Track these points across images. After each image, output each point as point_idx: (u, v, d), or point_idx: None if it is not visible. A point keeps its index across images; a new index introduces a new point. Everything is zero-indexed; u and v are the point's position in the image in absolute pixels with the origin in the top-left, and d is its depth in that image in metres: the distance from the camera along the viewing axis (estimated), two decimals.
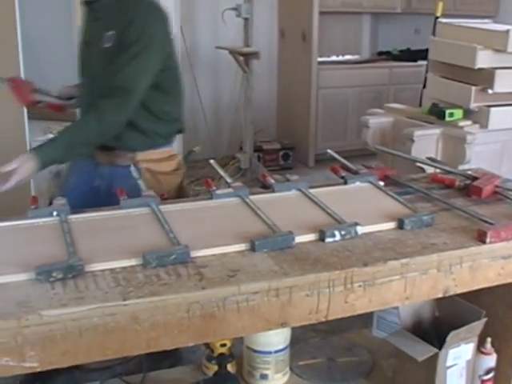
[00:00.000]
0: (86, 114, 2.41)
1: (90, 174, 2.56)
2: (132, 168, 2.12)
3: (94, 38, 2.46)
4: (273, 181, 2.09)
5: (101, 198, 2.36)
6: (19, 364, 1.35)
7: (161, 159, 2.56)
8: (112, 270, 1.53)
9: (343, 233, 1.72)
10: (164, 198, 2.28)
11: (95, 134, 2.33)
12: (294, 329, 2.23)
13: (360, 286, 1.58)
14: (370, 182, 2.16)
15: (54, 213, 1.85)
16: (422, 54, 6.12)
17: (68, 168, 2.76)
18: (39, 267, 1.48)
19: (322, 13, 6.66)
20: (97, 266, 1.53)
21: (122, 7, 2.38)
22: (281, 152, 6.70)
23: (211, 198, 1.99)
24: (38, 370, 1.38)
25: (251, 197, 1.97)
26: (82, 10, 2.56)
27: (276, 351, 2.22)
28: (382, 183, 2.18)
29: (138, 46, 2.34)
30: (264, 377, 2.25)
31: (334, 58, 7.51)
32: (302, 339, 2.58)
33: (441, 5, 5.34)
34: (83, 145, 2.32)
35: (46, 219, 1.83)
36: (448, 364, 2.03)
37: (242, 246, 1.64)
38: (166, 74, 2.50)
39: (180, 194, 2.62)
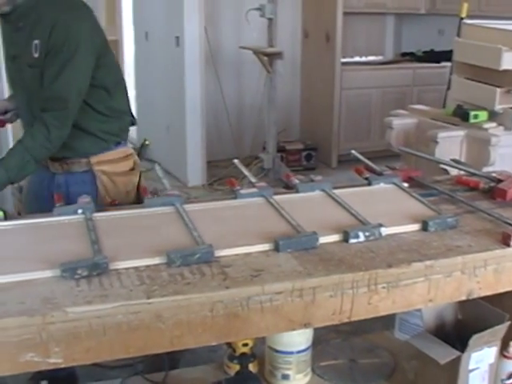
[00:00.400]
0: (31, 130, 2.28)
1: (47, 185, 2.50)
2: (157, 167, 2.12)
3: (19, 49, 2.31)
4: (297, 181, 2.09)
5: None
6: (44, 360, 1.36)
7: (117, 159, 2.50)
8: (136, 269, 1.54)
9: (367, 234, 1.72)
10: (115, 204, 2.29)
11: (44, 150, 2.27)
12: (315, 329, 2.22)
13: (384, 287, 1.58)
14: (394, 184, 2.15)
15: (79, 210, 1.86)
16: (446, 56, 6.09)
17: (27, 181, 2.66)
18: (64, 264, 1.49)
19: (345, 13, 6.65)
20: (121, 264, 1.54)
21: (40, 13, 2.24)
22: (304, 152, 6.70)
23: (235, 198, 1.99)
24: (62, 366, 1.39)
25: (275, 197, 1.98)
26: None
27: (298, 351, 2.21)
28: (406, 185, 2.17)
29: (67, 52, 2.22)
30: (285, 377, 2.24)
31: (357, 58, 7.50)
32: (323, 340, 2.57)
33: (466, 6, 5.30)
34: (33, 162, 2.25)
35: (71, 217, 1.84)
36: (470, 367, 2.02)
37: (265, 246, 1.64)
38: (102, 71, 2.39)
39: (138, 193, 2.57)
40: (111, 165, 2.47)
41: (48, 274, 1.50)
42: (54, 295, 1.41)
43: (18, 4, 2.22)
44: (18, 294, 1.41)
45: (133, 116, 2.63)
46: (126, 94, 2.60)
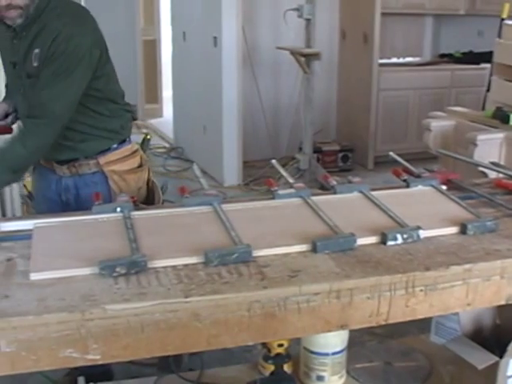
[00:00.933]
0: (12, 136, 2.29)
1: (55, 189, 2.50)
2: (195, 166, 2.14)
3: (20, 57, 2.31)
4: (334, 182, 2.09)
5: (72, 210, 2.21)
6: (82, 356, 1.38)
7: (124, 158, 2.51)
8: (174, 267, 1.55)
9: (405, 236, 1.71)
10: (134, 201, 2.29)
11: (21, 159, 2.25)
12: (350, 331, 2.22)
13: (421, 290, 1.56)
14: (433, 186, 2.14)
15: (118, 209, 1.88)
16: (486, 57, 6.03)
17: (34, 188, 2.67)
18: (103, 262, 1.51)
19: (383, 14, 6.61)
20: (159, 263, 1.55)
21: (44, 23, 2.24)
22: (340, 153, 6.67)
23: (273, 198, 1.99)
24: (100, 362, 1.41)
25: (313, 198, 1.97)
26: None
27: (333, 353, 2.21)
28: (444, 187, 2.15)
29: (63, 64, 2.22)
30: (320, 378, 2.24)
31: (394, 59, 7.45)
32: (358, 342, 2.57)
33: (507, 6, 5.24)
34: (10, 172, 2.25)
35: (109, 215, 1.86)
36: (509, 373, 1.99)
37: (303, 247, 1.64)
38: (102, 81, 2.40)
39: (149, 189, 2.58)
40: (120, 163, 2.48)
41: (87, 271, 1.52)
42: (92, 292, 1.43)
43: (30, 15, 2.23)
44: (58, 291, 1.43)
45: (132, 111, 2.62)
46: (122, 92, 2.57)
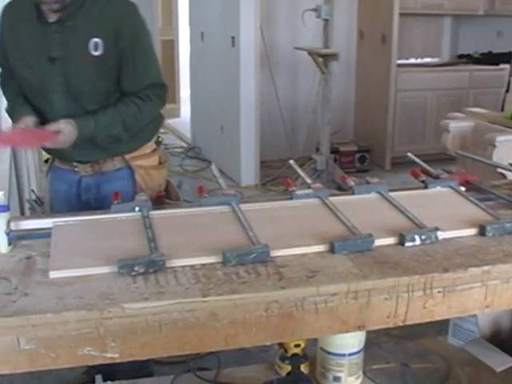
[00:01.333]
0: (125, 99, 2.34)
1: (75, 191, 2.48)
2: (213, 166, 2.14)
3: (66, 50, 2.25)
4: (352, 183, 2.09)
5: (93, 210, 2.23)
6: (101, 354, 1.39)
7: (148, 154, 2.53)
8: (192, 267, 1.55)
9: (423, 237, 1.71)
10: (161, 196, 2.30)
11: (133, 119, 2.34)
12: (366, 332, 2.22)
13: (439, 291, 1.56)
14: (451, 187, 2.13)
15: (136, 208, 1.89)
16: (505, 57, 6.00)
17: (49, 192, 2.61)
18: (122, 261, 1.52)
19: (402, 14, 6.58)
20: (177, 262, 1.56)
21: (96, 11, 2.24)
22: (357, 154, 6.65)
23: (291, 198, 2.00)
24: (118, 360, 1.41)
25: (331, 198, 1.97)
26: (28, 24, 2.28)
27: (350, 354, 2.21)
28: (463, 188, 2.14)
29: (144, 42, 2.36)
30: (337, 379, 2.24)
31: (412, 60, 7.42)
32: (374, 343, 2.56)
33: None
34: (121, 126, 2.31)
35: (128, 214, 1.87)
36: None
37: (321, 247, 1.64)
38: None
39: (168, 187, 2.59)
40: (144, 159, 2.49)
41: (105, 270, 1.53)
42: (111, 291, 1.44)
43: (67, 3, 2.21)
44: (77, 289, 1.44)
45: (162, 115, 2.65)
46: None
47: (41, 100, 2.33)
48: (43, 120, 2.30)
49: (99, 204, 2.03)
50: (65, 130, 2.15)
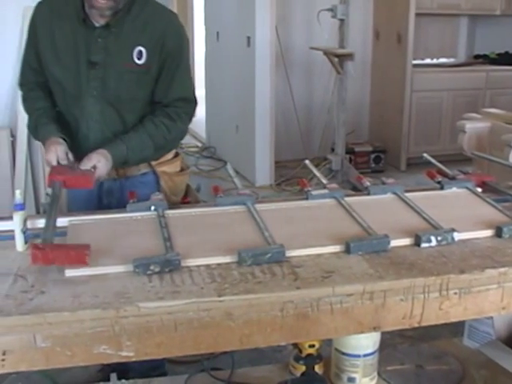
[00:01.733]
0: (153, 119, 2.28)
1: (96, 194, 2.41)
2: (228, 166, 2.14)
3: (108, 56, 2.22)
4: (368, 183, 2.08)
5: None
6: (116, 353, 1.40)
7: (171, 160, 2.50)
8: (207, 266, 1.56)
9: (439, 238, 1.70)
10: (188, 202, 2.28)
11: (163, 140, 2.31)
12: (381, 333, 2.21)
13: (455, 293, 1.55)
14: (468, 188, 2.12)
15: (152, 207, 1.89)
16: None
17: (67, 193, 2.50)
18: (137, 260, 1.52)
19: (417, 14, 6.55)
20: (193, 262, 1.57)
21: (141, 20, 2.23)
22: (372, 154, 6.63)
23: (306, 199, 1.99)
24: (133, 359, 1.42)
25: (346, 198, 1.97)
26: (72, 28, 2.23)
27: (365, 355, 2.20)
28: (479, 190, 2.13)
29: (184, 55, 2.35)
30: (351, 380, 2.23)
31: (428, 60, 7.39)
32: (389, 344, 2.55)
33: None
34: (153, 149, 2.29)
35: (143, 213, 1.88)
36: None
37: (336, 248, 1.64)
38: None
39: (186, 191, 2.57)
40: (168, 165, 2.46)
41: (121, 268, 1.54)
42: (126, 290, 1.44)
43: (119, 9, 2.18)
44: (93, 288, 1.45)
45: None
46: None
47: (73, 103, 2.28)
48: (72, 125, 2.29)
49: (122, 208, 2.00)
50: (99, 165, 2.09)
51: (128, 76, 2.23)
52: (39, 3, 2.30)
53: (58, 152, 2.10)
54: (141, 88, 2.27)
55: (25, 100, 2.40)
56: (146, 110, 2.31)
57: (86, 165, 2.07)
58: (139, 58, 2.22)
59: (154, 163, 2.41)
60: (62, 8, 2.24)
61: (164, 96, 2.31)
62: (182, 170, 2.55)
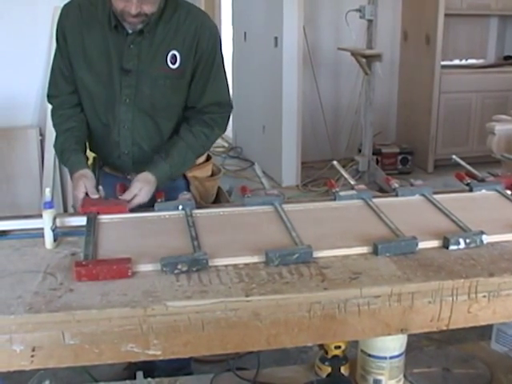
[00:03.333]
0: (191, 129, 2.26)
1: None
2: (256, 166, 2.14)
3: (141, 62, 2.18)
4: (396, 185, 2.07)
5: None
6: (143, 351, 1.41)
7: (201, 165, 2.44)
8: (235, 266, 1.56)
9: (468, 241, 1.69)
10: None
11: (202, 149, 2.31)
12: (408, 336, 2.20)
13: (484, 296, 1.54)
14: (497, 191, 2.11)
15: (180, 207, 1.90)
16: None
17: None
18: (165, 259, 1.53)
19: (446, 15, 6.50)
20: (220, 261, 1.57)
21: (172, 24, 2.18)
22: (400, 156, 6.60)
23: (334, 199, 1.99)
24: (160, 358, 1.42)
25: (374, 200, 1.97)
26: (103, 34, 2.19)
27: (391, 357, 2.18)
28: (509, 192, 2.11)
29: (218, 56, 2.28)
30: (377, 382, 2.22)
31: (457, 61, 7.33)
32: (415, 347, 2.53)
33: None
34: (194, 159, 2.29)
35: (171, 212, 1.89)
36: None
37: (364, 249, 1.64)
38: None
39: (218, 193, 2.53)
40: (199, 170, 2.42)
41: (149, 267, 1.55)
42: (154, 289, 1.45)
43: (151, 20, 2.14)
44: (121, 286, 1.46)
45: None
46: None
47: (104, 111, 2.26)
48: (102, 131, 2.28)
49: None
50: (141, 193, 2.06)
51: (162, 81, 2.20)
52: (65, 6, 2.26)
53: (87, 187, 2.06)
54: (175, 93, 2.24)
55: (53, 115, 2.35)
56: (180, 115, 2.29)
57: (128, 196, 2.04)
58: (173, 63, 2.18)
59: None
60: (91, 13, 2.19)
61: (198, 101, 2.27)
62: (213, 174, 2.52)
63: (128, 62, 2.18)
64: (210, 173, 2.50)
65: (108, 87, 2.21)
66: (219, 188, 2.54)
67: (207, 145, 2.32)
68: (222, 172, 2.60)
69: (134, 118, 2.24)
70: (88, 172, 2.13)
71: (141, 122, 2.25)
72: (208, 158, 2.51)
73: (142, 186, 2.06)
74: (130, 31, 2.15)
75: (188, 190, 2.34)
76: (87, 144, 2.36)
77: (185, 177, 2.37)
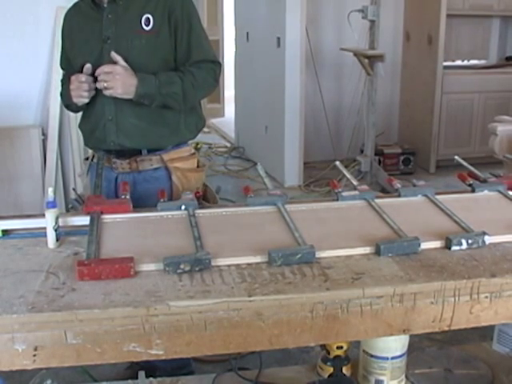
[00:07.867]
0: (182, 69, 2.39)
1: (113, 188, 2.45)
2: (259, 166, 2.14)
3: (118, 28, 2.33)
4: (399, 185, 2.07)
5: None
6: (146, 351, 1.41)
7: (186, 157, 2.51)
8: (238, 266, 1.56)
9: (470, 241, 1.69)
10: (199, 196, 2.27)
11: (189, 85, 2.35)
12: (409, 336, 2.20)
13: (486, 297, 1.54)
14: (499, 192, 2.10)
15: (183, 207, 1.90)
16: None
17: (90, 190, 2.53)
18: (167, 258, 1.53)
19: (449, 15, 6.50)
20: (223, 261, 1.57)
21: None
22: (402, 156, 6.60)
23: (336, 200, 1.99)
24: (163, 358, 1.43)
25: (377, 200, 1.97)
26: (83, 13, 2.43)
27: (393, 357, 2.18)
28: (511, 193, 2.11)
29: (196, 21, 2.41)
30: (379, 382, 2.22)
31: (459, 62, 7.33)
32: (417, 347, 2.53)
33: None
34: (179, 86, 2.34)
35: (174, 212, 1.89)
36: None
37: (366, 249, 1.64)
38: None
39: (206, 192, 2.56)
40: (182, 162, 2.48)
41: (151, 267, 1.55)
42: (157, 288, 1.45)
43: None
44: (123, 286, 1.46)
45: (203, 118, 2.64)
46: None
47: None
48: (92, 101, 2.37)
49: (134, 202, 2.03)
50: (124, 81, 2.23)
51: (137, 42, 2.32)
52: (66, 12, 2.49)
53: (78, 77, 2.29)
54: (151, 53, 2.34)
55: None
56: None
57: (107, 68, 2.23)
58: (147, 25, 2.32)
59: (166, 159, 2.44)
60: (82, 8, 2.43)
61: (186, 59, 2.39)
62: (198, 167, 2.57)
63: (106, 30, 2.34)
64: (194, 165, 2.55)
65: (95, 59, 2.33)
66: (206, 186, 2.56)
67: (195, 83, 2.38)
68: (207, 166, 2.65)
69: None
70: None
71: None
72: (193, 154, 2.57)
73: (123, 71, 2.24)
74: (105, 5, 2.35)
75: (170, 180, 2.42)
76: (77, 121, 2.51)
77: (166, 167, 2.43)
